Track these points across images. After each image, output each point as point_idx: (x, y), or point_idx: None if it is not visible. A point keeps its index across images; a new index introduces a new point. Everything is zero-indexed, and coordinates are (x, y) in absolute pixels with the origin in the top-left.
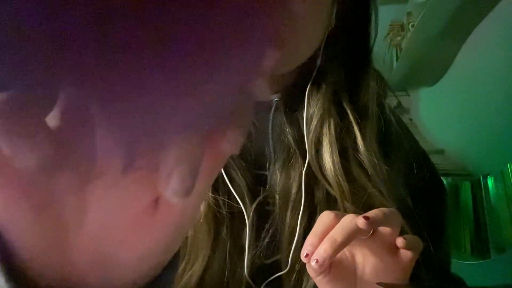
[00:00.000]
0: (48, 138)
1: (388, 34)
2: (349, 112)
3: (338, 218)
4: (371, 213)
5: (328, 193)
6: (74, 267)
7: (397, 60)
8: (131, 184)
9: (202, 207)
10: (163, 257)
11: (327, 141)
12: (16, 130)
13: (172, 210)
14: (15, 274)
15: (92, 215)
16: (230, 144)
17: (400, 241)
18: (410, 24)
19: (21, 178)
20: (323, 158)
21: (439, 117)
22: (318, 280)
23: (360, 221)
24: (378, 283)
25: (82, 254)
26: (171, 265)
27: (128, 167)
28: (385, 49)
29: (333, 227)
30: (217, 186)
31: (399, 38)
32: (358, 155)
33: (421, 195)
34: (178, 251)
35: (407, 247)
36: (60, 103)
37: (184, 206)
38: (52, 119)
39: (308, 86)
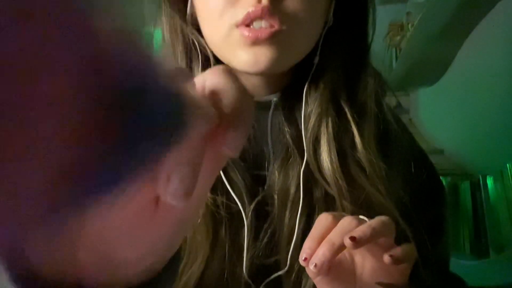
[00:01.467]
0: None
1: (388, 34)
2: (347, 111)
3: (336, 220)
4: (357, 232)
5: (326, 192)
6: (78, 266)
7: (396, 60)
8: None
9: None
10: (165, 254)
11: (325, 140)
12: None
13: (173, 208)
14: (22, 276)
15: (93, 213)
16: (230, 148)
17: (386, 259)
18: (410, 24)
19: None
20: (321, 157)
21: (438, 117)
22: (317, 280)
23: (347, 241)
24: (378, 283)
25: (85, 252)
26: (172, 263)
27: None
28: (384, 49)
29: (331, 229)
30: (216, 186)
31: (398, 38)
32: (356, 154)
33: (420, 195)
34: (179, 250)
35: (395, 263)
36: None
37: (185, 205)
38: None
39: (306, 85)
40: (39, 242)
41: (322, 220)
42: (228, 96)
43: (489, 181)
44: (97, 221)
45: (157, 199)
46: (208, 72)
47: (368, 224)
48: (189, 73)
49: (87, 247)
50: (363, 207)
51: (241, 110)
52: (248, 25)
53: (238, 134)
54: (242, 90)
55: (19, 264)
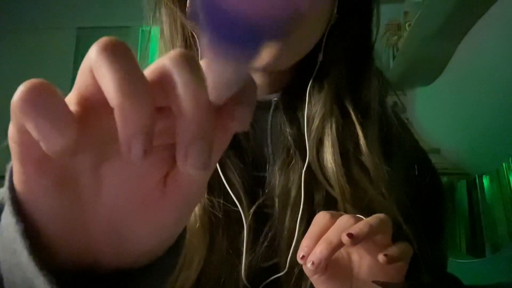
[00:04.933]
0: (73, 123)
1: (385, 33)
2: (351, 111)
3: (334, 219)
4: (355, 229)
5: (327, 195)
6: (91, 240)
7: (393, 60)
8: (144, 162)
9: (197, 210)
10: (173, 232)
11: (329, 141)
12: (44, 116)
13: (180, 186)
14: (37, 249)
15: (107, 191)
16: (239, 121)
17: (381, 258)
18: (407, 23)
19: (42, 155)
20: (324, 159)
21: (435, 116)
22: (314, 279)
23: (344, 237)
24: (374, 281)
25: (98, 227)
26: (177, 244)
27: (146, 152)
28: (381, 49)
29: (329, 228)
30: (213, 187)
31: (395, 37)
32: (360, 156)
33: (422, 197)
34: (184, 232)
35: (390, 262)
36: (77, 88)
37: (191, 183)
38: (72, 104)
39: (309, 84)
40: None
41: (320, 218)
42: None
43: (485, 181)
44: (111, 196)
45: (165, 179)
46: None
47: (365, 221)
48: None
49: (101, 222)
50: (365, 209)
51: (245, 87)
52: None
53: (245, 109)
54: None
55: (34, 240)
